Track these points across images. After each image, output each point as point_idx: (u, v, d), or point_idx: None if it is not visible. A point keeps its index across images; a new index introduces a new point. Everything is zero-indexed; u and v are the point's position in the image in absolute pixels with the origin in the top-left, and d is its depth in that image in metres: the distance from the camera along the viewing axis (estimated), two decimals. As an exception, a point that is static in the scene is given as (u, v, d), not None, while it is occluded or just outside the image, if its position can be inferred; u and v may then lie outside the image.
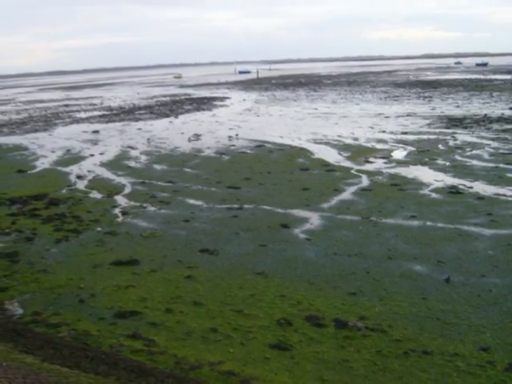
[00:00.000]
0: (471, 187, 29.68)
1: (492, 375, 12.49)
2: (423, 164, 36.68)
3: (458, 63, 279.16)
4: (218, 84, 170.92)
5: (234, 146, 47.86)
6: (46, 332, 14.97)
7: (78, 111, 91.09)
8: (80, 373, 12.20)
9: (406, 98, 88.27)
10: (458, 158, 38.09)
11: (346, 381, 12.46)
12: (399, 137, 48.69)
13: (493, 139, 44.64)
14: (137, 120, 72.72)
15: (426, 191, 29.33)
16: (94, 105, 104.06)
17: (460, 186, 29.90)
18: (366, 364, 13.11)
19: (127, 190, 32.52)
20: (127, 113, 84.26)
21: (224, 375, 12.64)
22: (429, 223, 23.85)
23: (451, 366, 12.90)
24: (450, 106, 72.39)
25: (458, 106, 72.01)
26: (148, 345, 14.17)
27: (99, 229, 24.84)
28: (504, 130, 49.01)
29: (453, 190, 29.05)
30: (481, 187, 29.62)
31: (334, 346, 13.98)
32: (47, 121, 76.91)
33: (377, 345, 13.95)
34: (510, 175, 32.09)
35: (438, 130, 51.37)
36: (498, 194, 28.04)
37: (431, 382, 12.29)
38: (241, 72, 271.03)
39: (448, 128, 52.53)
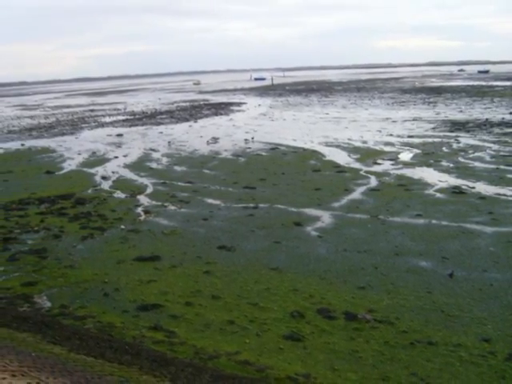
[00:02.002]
0: (473, 187, 29.55)
1: (493, 365, 12.47)
2: (428, 165, 36.53)
3: (461, 70, 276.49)
4: (235, 90, 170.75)
5: (249, 148, 47.92)
6: (72, 324, 15.09)
7: (103, 116, 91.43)
8: (105, 362, 12.26)
9: (412, 104, 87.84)
10: (461, 159, 37.90)
11: (355, 370, 12.46)
12: (405, 140, 48.50)
13: (494, 142, 44.41)
14: (158, 124, 72.89)
15: (430, 191, 29.23)
16: (118, 110, 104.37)
17: (463, 187, 29.77)
18: (374, 354, 13.11)
19: (149, 190, 32.64)
20: (149, 117, 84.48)
21: (240, 365, 12.69)
22: (434, 221, 23.79)
23: (454, 355, 12.89)
24: (453, 111, 71.98)
25: (461, 111, 71.60)
26: (169, 336, 14.24)
27: (123, 227, 24.96)
28: (504, 134, 48.71)
29: (456, 190, 28.94)
30: (482, 187, 29.48)
31: (344, 337, 13.99)
32: (74, 125, 77.28)
33: (384, 336, 13.94)
34: (510, 176, 31.89)
35: (442, 134, 51.10)
36: (499, 194, 27.90)
37: (436, 371, 12.28)
38: (256, 79, 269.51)
39: (451, 131, 52.28)
